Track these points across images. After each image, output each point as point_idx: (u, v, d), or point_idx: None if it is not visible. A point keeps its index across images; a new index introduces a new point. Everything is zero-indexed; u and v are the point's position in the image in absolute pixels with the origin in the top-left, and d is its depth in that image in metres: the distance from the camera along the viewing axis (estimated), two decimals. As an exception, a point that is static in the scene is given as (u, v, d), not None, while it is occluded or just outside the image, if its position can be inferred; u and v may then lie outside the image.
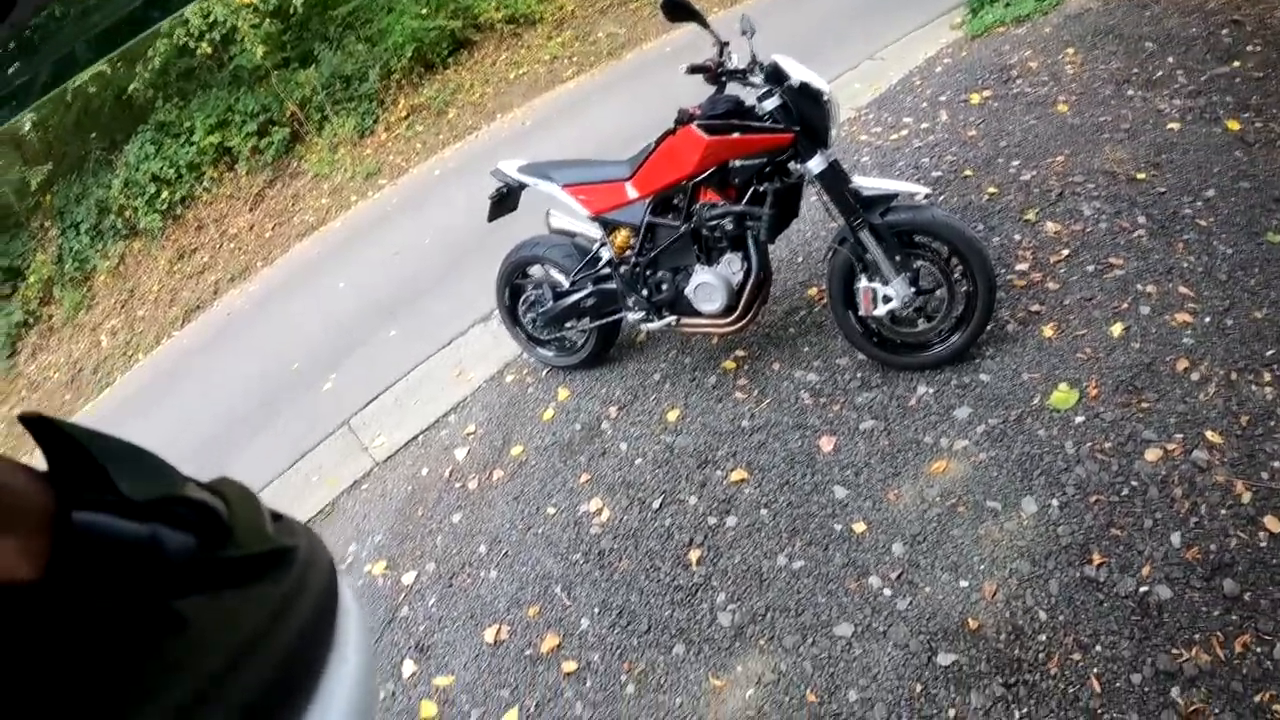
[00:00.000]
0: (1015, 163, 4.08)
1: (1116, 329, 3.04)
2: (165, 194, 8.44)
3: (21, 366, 8.45)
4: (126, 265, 8.53)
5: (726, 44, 2.86)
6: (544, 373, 3.96)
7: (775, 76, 2.75)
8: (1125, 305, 3.13)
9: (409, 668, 2.91)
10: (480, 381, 4.12)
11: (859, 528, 2.73)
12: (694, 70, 2.79)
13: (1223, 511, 2.41)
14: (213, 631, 0.26)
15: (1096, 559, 2.41)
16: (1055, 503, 2.59)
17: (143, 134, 8.57)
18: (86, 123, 9.18)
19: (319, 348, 5.28)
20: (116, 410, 6.70)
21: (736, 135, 2.80)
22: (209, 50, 8.49)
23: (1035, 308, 3.25)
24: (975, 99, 4.70)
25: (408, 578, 3.25)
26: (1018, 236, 3.61)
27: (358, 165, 8.07)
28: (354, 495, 3.86)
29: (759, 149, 2.83)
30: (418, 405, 4.18)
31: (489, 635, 2.89)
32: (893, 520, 2.72)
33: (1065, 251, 3.45)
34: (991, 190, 3.94)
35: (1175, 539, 2.38)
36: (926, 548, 2.62)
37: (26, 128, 8.54)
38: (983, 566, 2.52)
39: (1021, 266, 3.45)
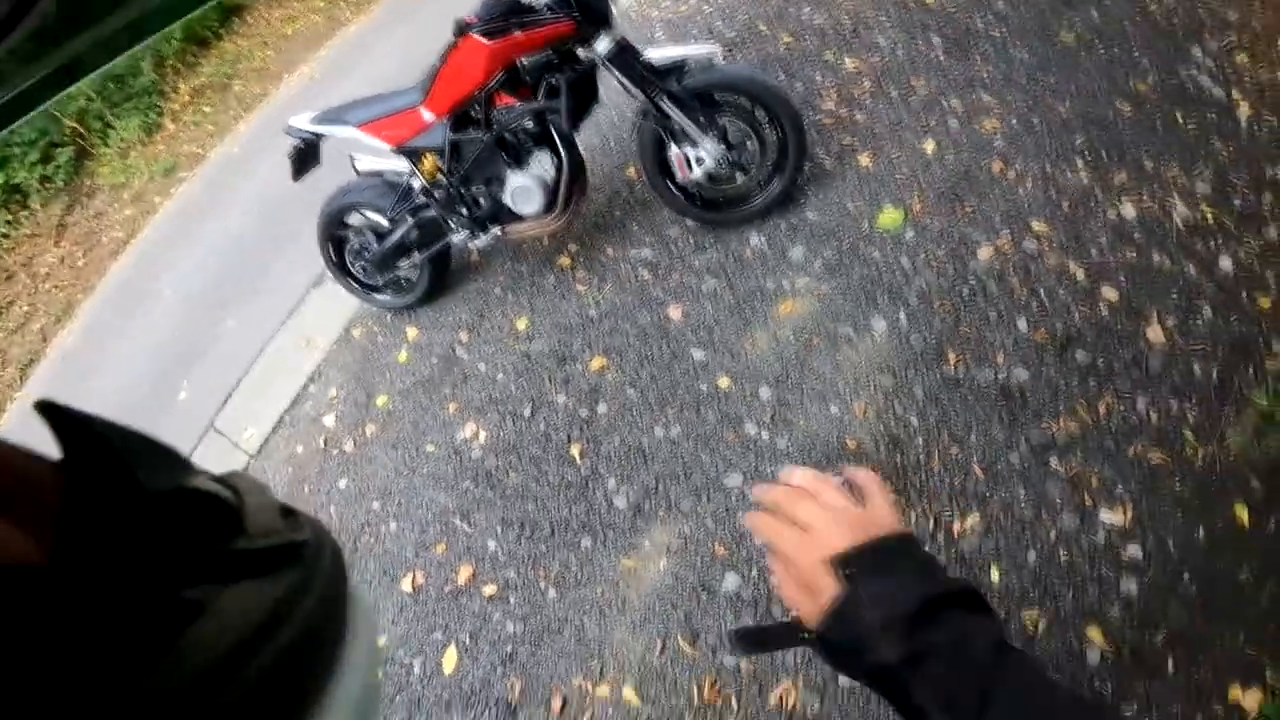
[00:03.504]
0: (806, 9, 4.13)
1: (929, 146, 3.17)
2: (-38, 255, 7.74)
3: None
4: (-56, 340, 7.82)
5: None
6: (388, 318, 3.88)
7: None
8: (934, 122, 3.26)
9: (341, 643, 2.88)
10: (329, 345, 4.01)
11: (724, 383, 2.82)
12: None
13: (1061, 291, 2.59)
14: (223, 620, 0.26)
15: (952, 358, 2.57)
16: (902, 316, 2.74)
17: (-83, 198, 7.79)
18: None
19: (164, 361, 5.00)
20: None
21: (518, 34, 2.74)
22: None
23: (848, 141, 3.35)
24: (757, -43, 4.70)
25: (313, 557, 3.19)
26: (819, 78, 3.69)
27: (153, 165, 7.51)
28: (238, 495, 3.73)
29: (542, 43, 2.79)
30: (275, 386, 4.03)
31: (406, 585, 2.90)
32: (754, 368, 2.81)
33: (867, 84, 3.55)
34: (787, 40, 3.99)
35: (1022, 324, 2.56)
36: (791, 385, 2.73)
37: None
38: (848, 390, 2.65)
39: (828, 105, 3.54)
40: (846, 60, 3.71)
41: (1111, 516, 2.15)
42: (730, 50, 4.04)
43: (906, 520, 2.32)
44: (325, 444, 3.57)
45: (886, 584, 0.60)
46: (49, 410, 0.29)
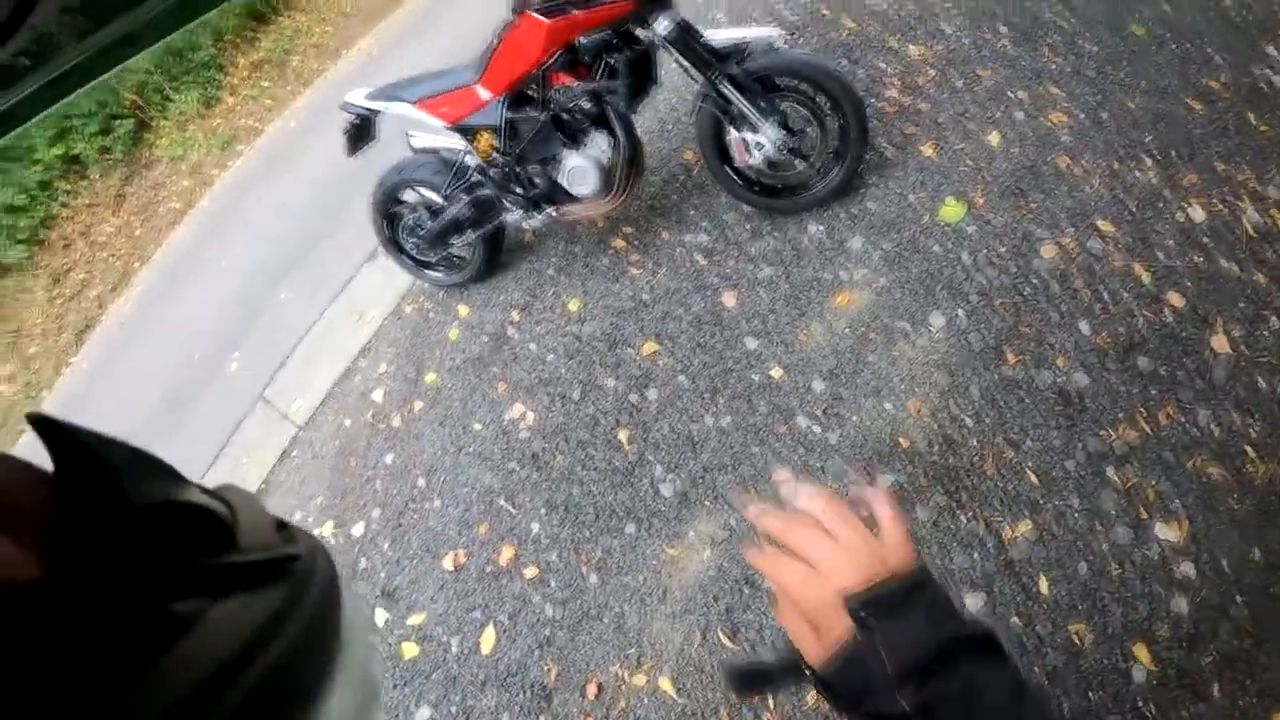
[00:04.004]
0: (869, -7, 4.04)
1: (994, 138, 3.08)
2: (24, 221, 7.92)
3: (-76, 448, 7.97)
4: (5, 306, 8.02)
5: None
6: (440, 295, 3.89)
7: None
8: (999, 114, 3.17)
9: (381, 616, 2.91)
10: (381, 320, 4.04)
11: (776, 374, 2.77)
12: None
13: (1125, 294, 2.50)
14: (212, 636, 0.26)
15: (1011, 359, 2.50)
16: (961, 313, 2.66)
17: (-19, 166, 7.98)
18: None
19: (217, 330, 5.10)
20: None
21: (576, 13, 2.71)
22: (27, 60, 7.89)
23: (910, 130, 3.27)
24: (821, -62, 4.62)
25: (357, 530, 3.23)
26: (883, 65, 3.61)
27: (211, 138, 7.65)
28: (285, 465, 3.78)
29: (601, 22, 2.75)
30: (326, 359, 4.08)
31: (448, 563, 2.91)
32: (808, 360, 2.76)
33: (932, 72, 3.46)
34: (850, 25, 3.91)
35: (1084, 327, 2.48)
36: (845, 379, 2.68)
37: None
38: (903, 386, 2.59)
39: (891, 93, 3.46)
40: (911, 47, 3.62)
41: (1166, 532, 2.09)
42: (792, 34, 3.97)
43: (957, 524, 2.27)
44: (373, 418, 3.59)
45: (900, 628, 0.57)
46: (41, 424, 0.28)
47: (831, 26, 3.97)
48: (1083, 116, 3.01)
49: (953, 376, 2.55)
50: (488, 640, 2.66)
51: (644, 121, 3.81)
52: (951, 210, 2.93)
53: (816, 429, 2.61)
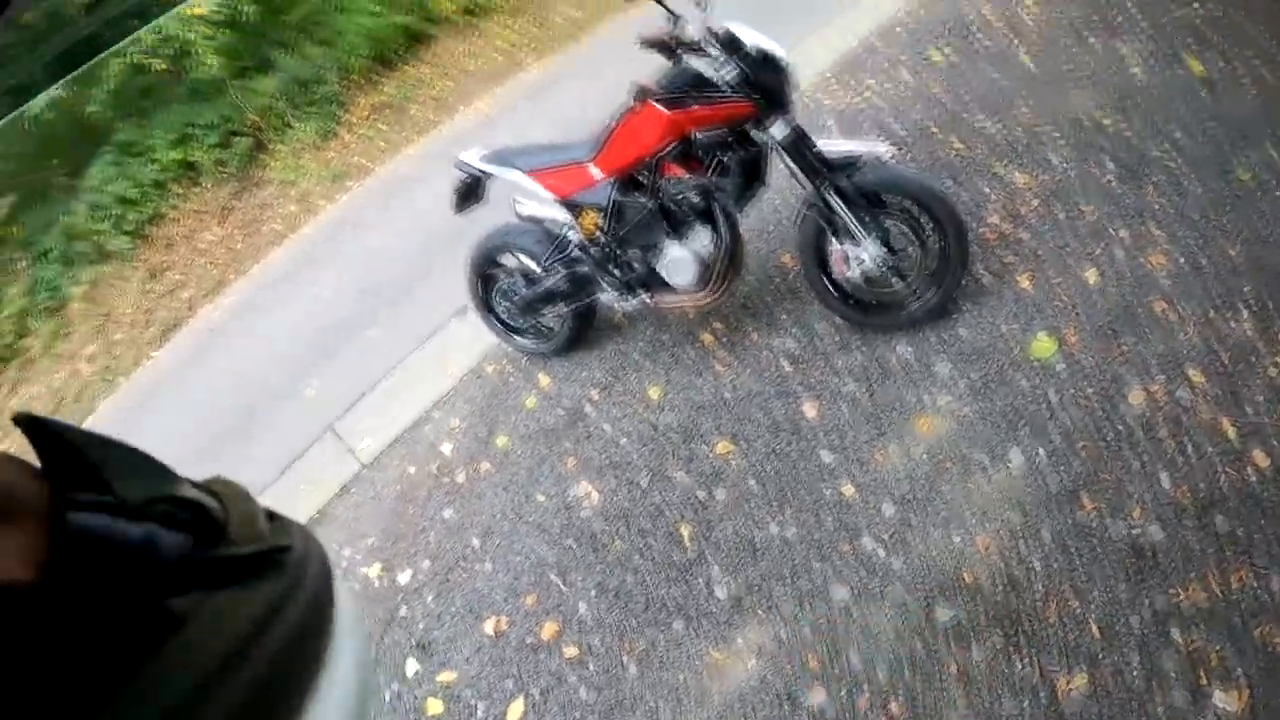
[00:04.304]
0: (980, 116, 4.07)
1: (1092, 275, 3.05)
2: (132, 214, 8.31)
3: (2, 401, 8.33)
4: (99, 290, 8.38)
5: (680, 17, 2.81)
6: (523, 361, 3.94)
7: (731, 45, 2.71)
8: (1099, 250, 3.13)
9: (412, 666, 2.91)
10: (461, 375, 4.10)
11: (848, 491, 2.73)
12: (648, 44, 2.75)
13: (1209, 449, 2.42)
14: (207, 631, 0.26)
15: (1087, 505, 2.42)
16: (1042, 452, 2.60)
17: (104, 155, 8.42)
18: (49, 149, 9.04)
19: (299, 355, 5.23)
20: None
21: (697, 108, 2.78)
22: (164, 66, 8.38)
23: (1009, 259, 3.25)
24: (936, 57, 4.69)
25: (404, 577, 3.24)
26: (987, 190, 3.61)
27: (323, 169, 7.97)
28: (343, 500, 3.83)
29: (720, 119, 2.80)
30: (401, 404, 4.15)
31: (489, 627, 2.90)
32: (881, 481, 2.72)
33: (1035, 201, 3.45)
34: (958, 146, 3.93)
35: (1164, 479, 2.39)
36: (917, 506, 2.63)
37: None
38: (974, 520, 2.53)
39: (993, 219, 3.45)
40: (1016, 174, 3.62)
41: (1225, 700, 1.97)
42: (899, 149, 4.00)
43: (1011, 668, 2.19)
44: (438, 470, 3.63)
45: None
46: (28, 424, 0.28)
47: (940, 145, 4.00)
48: (1182, 260, 2.96)
49: (1026, 516, 2.48)
50: (515, 711, 2.63)
51: (746, 220, 3.83)
52: (1043, 346, 2.89)
53: (881, 553, 2.56)
